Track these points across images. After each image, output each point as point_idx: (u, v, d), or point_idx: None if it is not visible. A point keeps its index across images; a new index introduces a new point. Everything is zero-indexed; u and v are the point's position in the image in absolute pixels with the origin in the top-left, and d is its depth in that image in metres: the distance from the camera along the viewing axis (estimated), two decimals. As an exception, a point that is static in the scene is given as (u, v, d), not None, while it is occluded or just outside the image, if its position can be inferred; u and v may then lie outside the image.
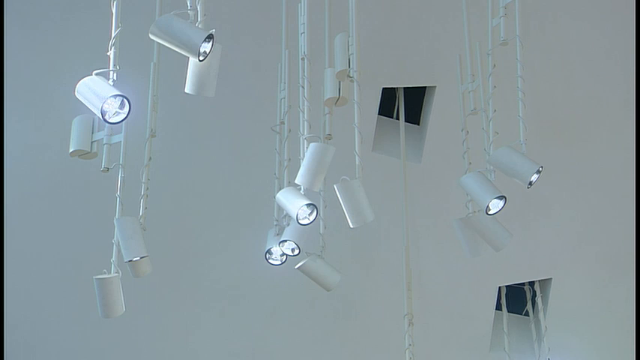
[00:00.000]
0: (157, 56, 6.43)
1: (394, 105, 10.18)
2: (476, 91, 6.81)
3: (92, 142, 5.49)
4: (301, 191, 5.87)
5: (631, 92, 9.66)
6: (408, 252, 8.59)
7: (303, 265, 6.26)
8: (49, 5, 8.66)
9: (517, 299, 11.53)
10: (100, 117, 4.76)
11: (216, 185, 9.86)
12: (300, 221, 5.82)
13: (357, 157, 5.80)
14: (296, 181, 5.65)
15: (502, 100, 6.61)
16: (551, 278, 11.13)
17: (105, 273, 5.46)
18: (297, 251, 6.28)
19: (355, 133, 5.88)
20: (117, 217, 5.60)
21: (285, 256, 6.55)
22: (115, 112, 4.80)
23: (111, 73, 5.02)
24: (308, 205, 5.78)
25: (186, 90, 4.87)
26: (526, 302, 11.45)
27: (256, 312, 10.58)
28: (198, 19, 4.80)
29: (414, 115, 10.22)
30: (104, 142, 5.48)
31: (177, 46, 4.61)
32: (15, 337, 10.02)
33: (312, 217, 5.84)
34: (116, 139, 5.50)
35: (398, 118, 9.82)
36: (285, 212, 6.21)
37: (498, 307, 11.29)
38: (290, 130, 6.68)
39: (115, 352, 10.59)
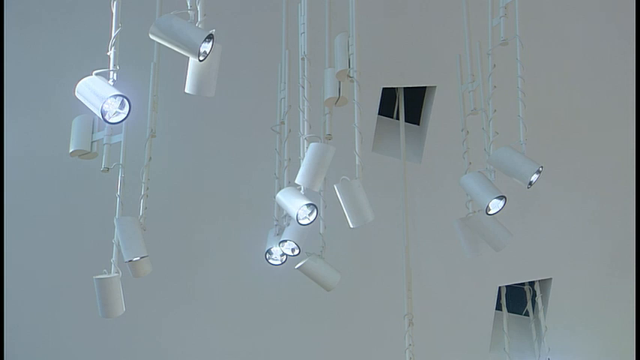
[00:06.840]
0: (157, 56, 6.43)
1: (394, 105, 10.18)
2: (476, 91, 6.81)
3: (92, 142, 5.49)
4: (301, 191, 5.87)
5: (631, 92, 9.66)
6: (408, 252, 8.59)
7: (303, 265, 6.25)
8: (49, 5, 8.66)
9: (517, 299, 11.53)
10: (100, 117, 4.75)
11: (216, 185, 9.86)
12: (300, 221, 5.82)
13: (357, 157, 5.80)
14: (296, 181, 5.65)
15: (502, 100, 6.61)
16: (551, 278, 11.13)
17: (105, 273, 5.46)
18: (297, 251, 6.28)
19: (355, 133, 5.88)
20: (117, 217, 5.60)
21: (285, 256, 6.55)
22: (115, 112, 4.79)
23: (111, 73, 5.02)
24: (308, 205, 5.78)
25: (186, 90, 4.87)
26: (526, 302, 11.45)
27: (256, 312, 10.58)
28: (198, 19, 4.80)
29: (414, 115, 10.22)
30: (104, 142, 5.48)
31: (177, 46, 4.61)
32: (15, 337, 10.02)
33: (312, 217, 5.84)
34: (116, 139, 5.50)
35: (398, 118, 9.82)
36: (285, 212, 6.20)
37: (498, 307, 11.29)
38: (290, 130, 6.68)
39: (114, 352, 10.59)
